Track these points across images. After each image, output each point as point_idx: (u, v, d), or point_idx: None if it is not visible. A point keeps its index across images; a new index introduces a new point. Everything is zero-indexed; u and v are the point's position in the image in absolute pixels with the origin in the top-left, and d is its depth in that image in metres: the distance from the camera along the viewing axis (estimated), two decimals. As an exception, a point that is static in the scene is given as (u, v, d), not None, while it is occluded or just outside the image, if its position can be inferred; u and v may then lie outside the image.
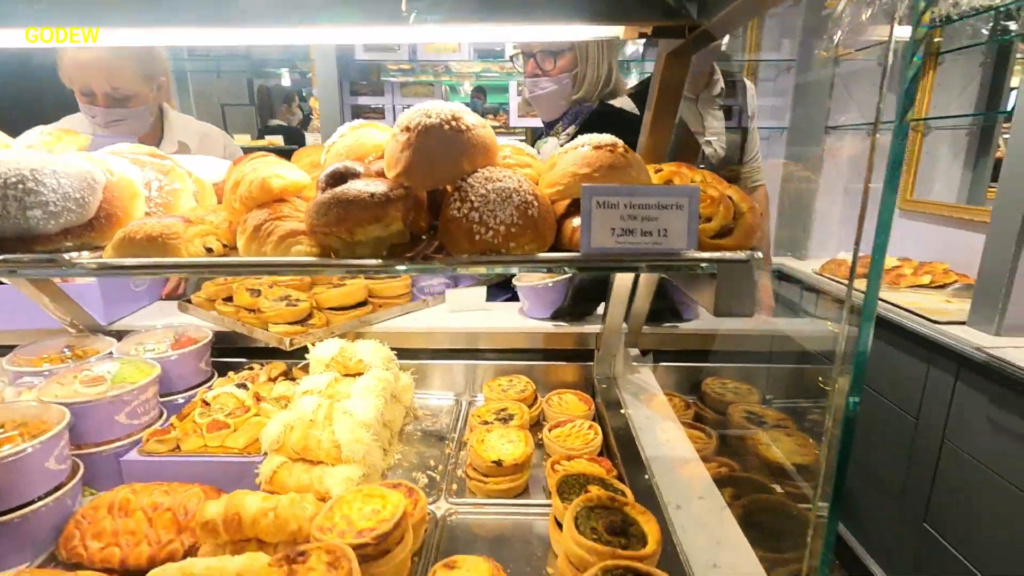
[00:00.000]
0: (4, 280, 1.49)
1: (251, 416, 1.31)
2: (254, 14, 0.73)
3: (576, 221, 0.65)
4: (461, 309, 1.79)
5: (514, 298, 1.88)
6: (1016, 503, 1.77)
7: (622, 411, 1.46)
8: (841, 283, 2.83)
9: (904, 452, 2.29)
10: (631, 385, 1.59)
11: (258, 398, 1.36)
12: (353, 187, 0.64)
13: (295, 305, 1.54)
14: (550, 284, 1.69)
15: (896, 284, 2.68)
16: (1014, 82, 2.80)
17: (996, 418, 1.86)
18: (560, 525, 0.96)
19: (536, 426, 1.48)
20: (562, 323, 1.72)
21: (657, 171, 0.76)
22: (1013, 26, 2.59)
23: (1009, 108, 2.72)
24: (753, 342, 1.68)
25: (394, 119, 3.23)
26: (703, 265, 0.63)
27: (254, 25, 0.75)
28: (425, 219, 0.76)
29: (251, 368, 1.59)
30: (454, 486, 1.26)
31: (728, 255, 0.63)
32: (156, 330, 1.56)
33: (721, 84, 2.30)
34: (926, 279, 2.64)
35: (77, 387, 1.22)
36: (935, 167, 3.14)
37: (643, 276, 1.41)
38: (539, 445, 1.36)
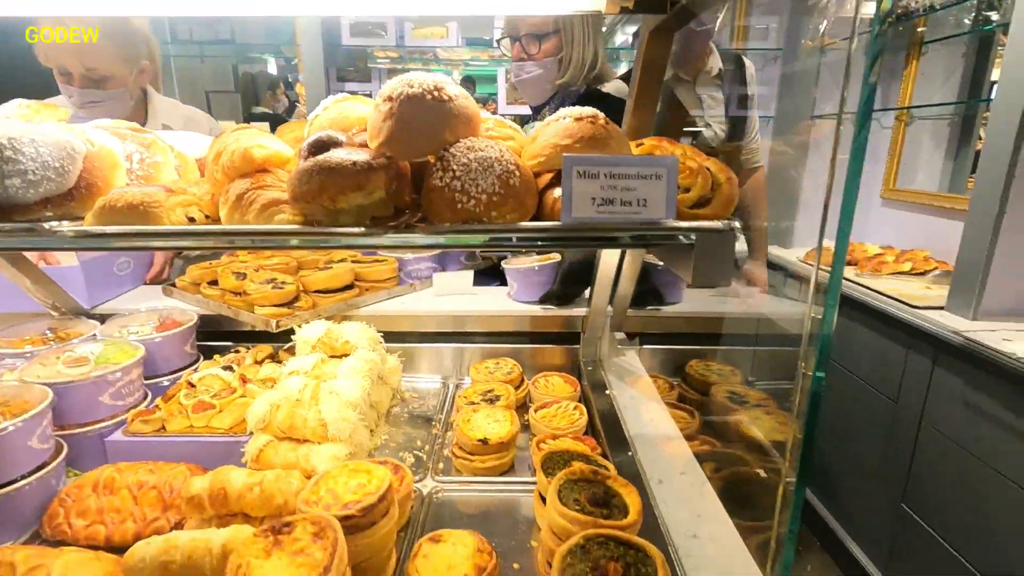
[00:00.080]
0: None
1: (237, 397, 1.30)
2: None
3: (557, 192, 0.66)
4: (448, 293, 1.80)
5: (502, 284, 1.89)
6: (990, 483, 1.82)
7: (607, 392, 1.48)
8: (823, 269, 2.86)
9: (883, 434, 2.34)
10: (616, 367, 1.61)
11: (244, 380, 1.36)
12: (335, 155, 0.64)
13: (281, 288, 1.54)
14: (536, 267, 1.70)
15: (878, 271, 2.73)
16: (996, 74, 2.85)
17: (972, 400, 1.91)
18: (544, 500, 0.98)
19: (522, 408, 1.50)
20: (550, 306, 1.74)
21: (638, 145, 0.77)
22: (995, 16, 2.63)
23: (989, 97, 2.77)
24: (737, 325, 1.70)
25: (382, 106, 3.18)
26: (682, 235, 0.64)
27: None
28: (409, 193, 0.77)
29: (237, 351, 1.58)
30: (440, 465, 1.27)
31: (706, 224, 0.64)
32: (140, 313, 1.55)
33: (719, 64, 2.24)
34: (907, 266, 2.69)
35: (60, 368, 1.22)
36: (918, 156, 3.18)
37: (627, 260, 1.43)
38: (525, 427, 1.38)
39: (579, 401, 1.43)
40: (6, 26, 1.13)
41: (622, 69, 2.34)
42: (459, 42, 3.69)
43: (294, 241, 0.66)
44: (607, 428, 1.32)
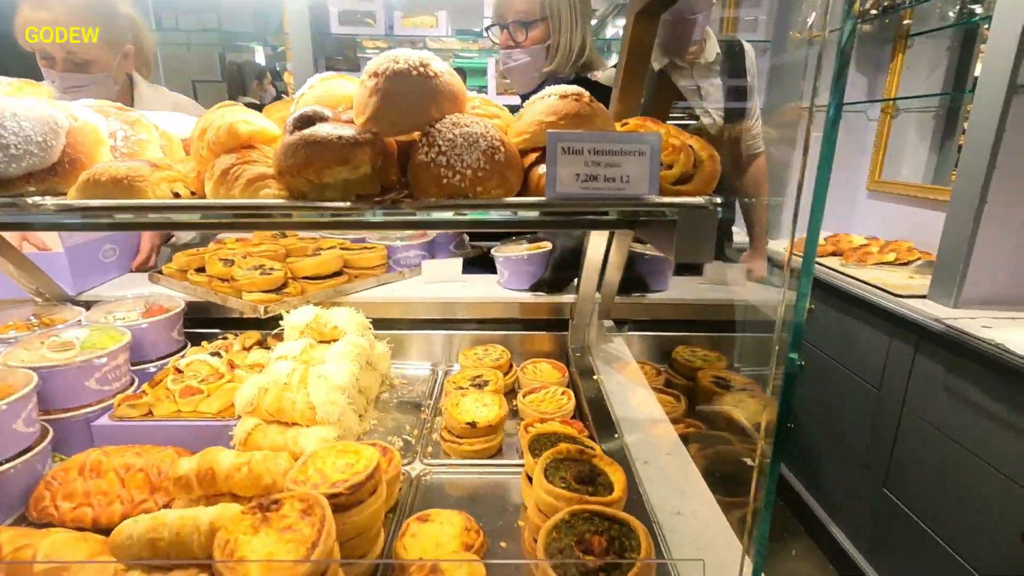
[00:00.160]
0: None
1: (225, 382, 1.30)
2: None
3: (542, 169, 0.66)
4: (437, 280, 1.80)
5: (492, 274, 1.89)
6: (970, 467, 1.86)
7: (595, 377, 1.49)
8: (796, 255, 2.89)
9: (867, 421, 2.38)
10: (604, 354, 1.62)
11: (232, 365, 1.36)
12: (321, 129, 0.64)
13: (269, 274, 1.53)
14: (526, 256, 1.71)
15: (863, 262, 2.76)
16: (980, 67, 2.88)
17: (952, 386, 1.95)
18: (531, 480, 0.99)
19: (511, 394, 1.51)
20: (539, 293, 1.74)
21: (623, 125, 0.77)
22: (979, 9, 2.66)
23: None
24: (722, 312, 1.72)
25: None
26: (665, 210, 0.65)
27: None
28: (395, 173, 0.77)
29: (225, 338, 1.58)
30: (429, 449, 1.28)
31: (688, 200, 0.65)
32: (126, 299, 1.54)
33: (716, 49, 2.21)
34: (891, 256, 2.73)
35: (45, 352, 1.21)
36: (903, 149, 3.22)
37: (614, 247, 1.44)
38: (514, 413, 1.39)
39: (567, 387, 1.45)
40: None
41: (613, 61, 2.33)
42: (449, 31, 3.67)
43: (280, 216, 0.66)
44: (594, 412, 1.34)
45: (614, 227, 0.99)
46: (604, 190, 0.63)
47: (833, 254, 2.97)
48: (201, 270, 1.68)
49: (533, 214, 0.70)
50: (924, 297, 2.18)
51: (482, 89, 4.54)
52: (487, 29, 1.95)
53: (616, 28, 5.30)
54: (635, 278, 1.74)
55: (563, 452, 0.98)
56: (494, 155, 0.66)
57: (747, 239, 2.55)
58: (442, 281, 1.80)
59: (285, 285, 1.57)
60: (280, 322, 1.42)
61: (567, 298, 1.70)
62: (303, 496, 0.81)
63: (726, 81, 2.23)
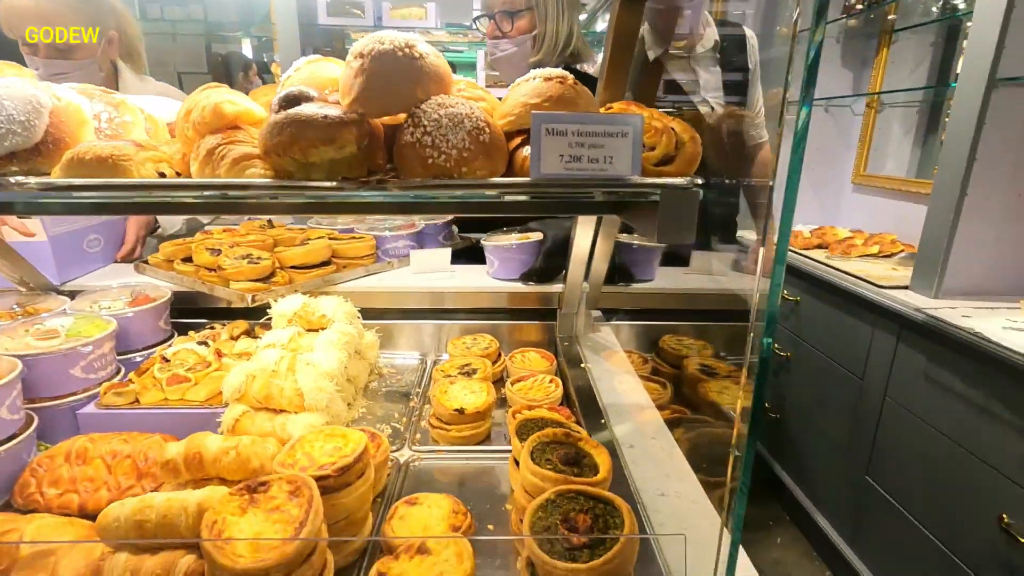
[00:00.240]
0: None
1: (212, 371, 1.30)
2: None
3: (527, 151, 0.67)
4: (426, 271, 1.80)
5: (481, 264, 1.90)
6: (949, 454, 1.90)
7: (582, 366, 1.51)
8: (794, 252, 2.92)
9: (850, 410, 2.42)
10: (592, 343, 1.64)
11: (219, 354, 1.36)
12: (307, 108, 0.64)
13: (257, 263, 1.53)
14: (514, 245, 1.72)
15: (848, 254, 2.80)
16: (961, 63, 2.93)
17: (932, 375, 1.98)
18: (519, 464, 1.00)
19: (499, 383, 1.52)
20: (528, 283, 1.75)
21: (607, 109, 0.78)
22: (961, 5, 2.70)
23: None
24: (708, 301, 1.74)
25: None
26: (647, 191, 0.66)
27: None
28: (382, 156, 0.77)
29: (212, 328, 1.57)
30: (418, 436, 1.29)
31: (670, 181, 0.66)
32: (112, 289, 1.53)
33: (715, 37, 2.16)
34: (875, 249, 2.77)
35: (29, 340, 1.20)
36: (887, 143, 3.27)
37: (601, 236, 1.45)
38: (502, 401, 1.40)
39: (555, 375, 1.46)
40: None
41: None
42: (438, 23, 3.66)
43: (266, 196, 0.66)
44: (582, 399, 1.35)
45: (599, 211, 1.00)
46: (588, 171, 0.64)
47: (819, 247, 3.01)
48: (188, 260, 1.67)
49: (519, 195, 0.71)
50: (906, 288, 2.22)
51: (472, 84, 4.52)
52: (475, 20, 1.95)
53: (607, 22, 5.31)
54: (622, 268, 1.76)
55: (549, 435, 0.99)
56: (479, 136, 0.67)
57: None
58: (431, 271, 1.81)
59: (273, 274, 1.57)
60: (268, 311, 1.42)
61: (555, 288, 1.71)
62: (291, 478, 0.82)
63: (726, 69, 2.17)
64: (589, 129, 0.63)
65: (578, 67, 1.90)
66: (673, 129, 0.71)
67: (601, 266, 1.53)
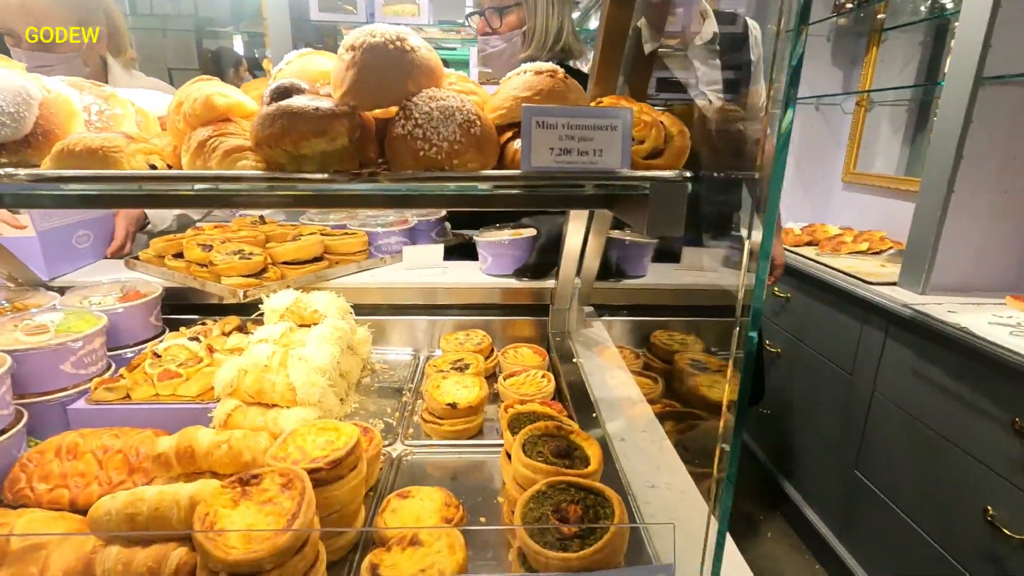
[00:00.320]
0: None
1: (204, 366, 1.30)
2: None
3: (518, 144, 0.68)
4: (418, 267, 1.80)
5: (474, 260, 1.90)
6: (936, 447, 1.93)
7: (574, 361, 1.51)
8: (785, 249, 2.93)
9: (839, 405, 2.45)
10: (584, 338, 1.65)
11: (211, 350, 1.35)
12: (298, 100, 0.64)
13: (249, 259, 1.53)
14: (507, 241, 1.72)
15: (837, 251, 2.83)
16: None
17: (920, 370, 2.01)
18: (511, 457, 1.01)
19: (491, 378, 1.53)
20: (521, 279, 1.76)
21: (597, 103, 0.79)
22: (949, 4, 2.73)
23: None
24: (700, 297, 1.75)
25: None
26: (637, 184, 0.67)
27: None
28: (374, 150, 0.78)
29: (204, 324, 1.57)
30: (410, 430, 1.29)
31: (659, 174, 0.67)
32: (102, 284, 1.52)
33: (714, 29, 2.10)
34: (864, 246, 2.80)
35: (18, 335, 1.19)
36: (877, 141, 3.30)
37: (592, 231, 1.46)
38: (495, 397, 1.41)
39: (547, 370, 1.47)
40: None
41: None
42: (431, 20, 3.65)
43: (259, 188, 0.66)
44: (574, 394, 1.36)
45: (590, 205, 1.01)
46: (578, 163, 0.65)
47: (809, 244, 3.04)
48: (179, 256, 1.67)
49: (509, 187, 0.71)
50: (894, 284, 2.25)
51: (464, 80, 4.51)
52: (467, 17, 1.95)
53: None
54: (614, 264, 1.77)
55: (541, 428, 1.00)
56: (470, 128, 0.68)
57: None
58: (423, 267, 1.81)
59: (265, 270, 1.56)
60: (260, 306, 1.42)
61: (548, 284, 1.72)
62: (283, 471, 0.82)
63: (727, 61, 2.10)
64: (579, 122, 0.64)
65: (571, 64, 1.90)
66: (662, 123, 0.72)
67: (593, 262, 1.54)
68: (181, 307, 1.64)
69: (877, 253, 2.76)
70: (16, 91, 0.67)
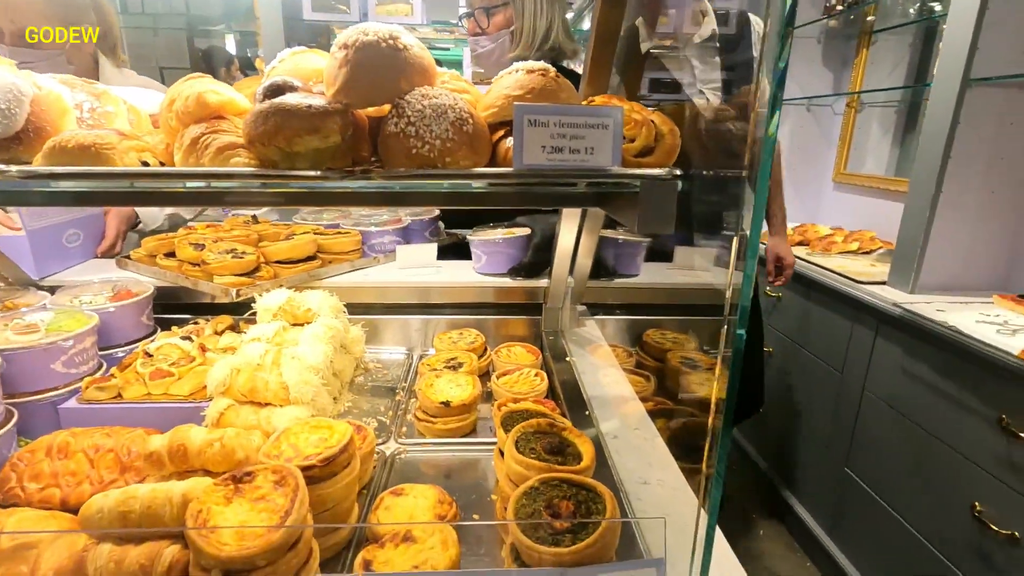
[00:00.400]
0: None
1: (196, 365, 1.29)
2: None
3: (510, 142, 0.68)
4: (412, 266, 1.80)
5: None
6: (925, 444, 1.95)
7: (567, 359, 1.52)
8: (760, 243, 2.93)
9: (830, 404, 2.47)
10: (577, 337, 1.66)
11: (203, 349, 1.35)
12: (291, 97, 0.65)
13: (241, 257, 1.52)
14: (500, 239, 1.73)
15: (828, 251, 2.86)
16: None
17: (909, 368, 2.03)
18: (504, 454, 1.01)
19: (485, 377, 1.53)
20: (515, 278, 1.76)
21: (589, 102, 0.80)
22: (938, 7, 2.76)
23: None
24: (692, 296, 1.76)
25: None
26: (628, 181, 0.68)
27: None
28: (367, 148, 0.78)
29: (196, 323, 1.56)
30: (404, 429, 1.29)
31: (650, 172, 0.68)
32: (93, 284, 1.51)
33: (713, 26, 2.08)
34: (854, 245, 2.83)
35: (8, 335, 1.18)
36: (867, 142, 3.33)
37: (585, 231, 1.46)
38: (488, 395, 1.41)
39: (540, 369, 1.47)
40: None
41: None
42: (424, 20, 3.65)
43: (252, 186, 0.67)
44: (566, 392, 1.37)
45: (582, 203, 1.02)
46: (569, 161, 0.65)
47: (800, 244, 3.06)
48: (171, 255, 1.66)
49: (502, 184, 0.72)
50: (884, 283, 2.27)
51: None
52: (460, 18, 1.95)
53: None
54: (607, 263, 1.78)
55: (534, 425, 1.01)
56: (462, 126, 0.68)
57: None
58: (417, 267, 1.81)
59: (258, 269, 1.56)
60: (253, 305, 1.42)
61: (541, 283, 1.73)
62: (276, 468, 0.82)
63: (727, 60, 2.07)
64: (570, 120, 0.64)
65: (564, 64, 1.91)
66: (653, 121, 0.73)
67: (586, 261, 1.55)
68: (173, 306, 1.64)
69: (867, 253, 2.79)
70: (7, 88, 0.66)
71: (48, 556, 0.78)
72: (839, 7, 3.00)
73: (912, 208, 2.19)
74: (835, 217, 3.42)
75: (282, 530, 0.71)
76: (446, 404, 1.24)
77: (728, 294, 0.64)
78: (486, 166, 0.72)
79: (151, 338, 1.48)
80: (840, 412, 2.40)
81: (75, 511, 0.98)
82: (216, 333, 1.49)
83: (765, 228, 2.55)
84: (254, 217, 1.98)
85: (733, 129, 2.09)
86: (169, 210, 2.12)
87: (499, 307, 1.74)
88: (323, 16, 3.46)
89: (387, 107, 0.73)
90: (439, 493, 0.98)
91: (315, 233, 1.76)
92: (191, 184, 0.70)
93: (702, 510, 0.64)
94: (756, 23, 2.12)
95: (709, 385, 1.35)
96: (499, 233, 1.74)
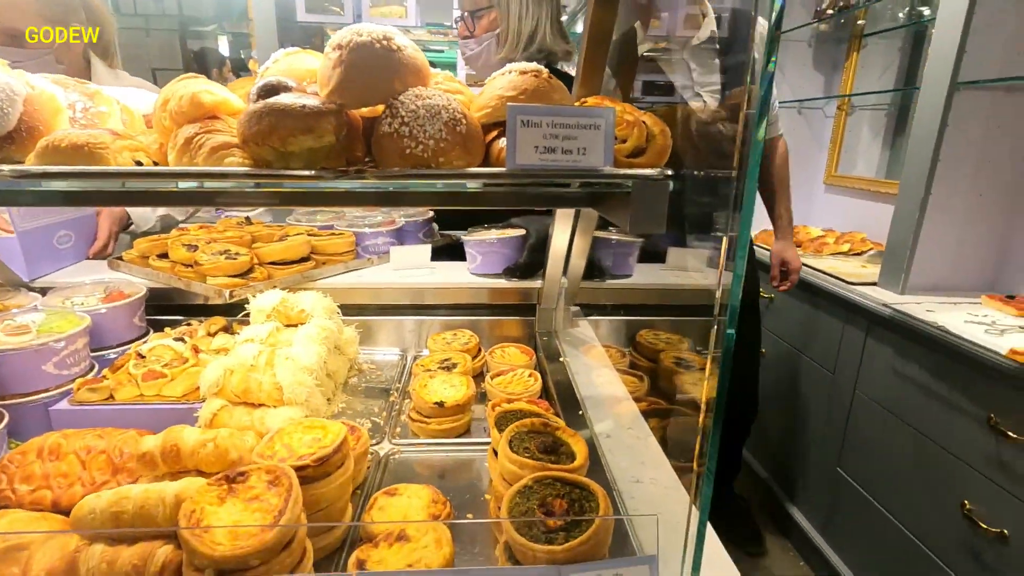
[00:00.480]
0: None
1: (189, 367, 1.29)
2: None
3: (503, 143, 0.69)
4: (405, 267, 1.81)
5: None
6: (916, 444, 1.97)
7: (561, 360, 1.53)
8: (764, 248, 2.97)
9: (822, 404, 2.49)
10: (571, 337, 1.66)
11: (196, 350, 1.35)
12: (285, 97, 0.65)
13: (235, 259, 1.52)
14: (495, 240, 1.73)
15: (820, 252, 2.88)
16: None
17: (899, 368, 2.05)
18: (497, 454, 1.02)
19: (479, 377, 1.53)
20: (509, 279, 1.77)
21: (581, 103, 0.81)
22: (927, 11, 2.80)
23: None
24: (684, 296, 1.78)
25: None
26: (620, 182, 0.68)
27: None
28: (361, 148, 0.78)
29: (189, 324, 1.56)
30: (398, 429, 1.29)
31: (641, 172, 0.69)
32: (85, 285, 1.50)
33: (712, 27, 2.06)
34: (846, 247, 2.85)
35: (-1, 336, 1.18)
36: (858, 145, 3.36)
37: (578, 232, 1.47)
38: (482, 396, 1.41)
39: (534, 369, 1.48)
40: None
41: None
42: (418, 22, 3.65)
43: (245, 185, 0.67)
44: (560, 392, 1.37)
45: (575, 203, 1.02)
46: (562, 162, 0.66)
47: (796, 242, 3.08)
48: (164, 256, 1.65)
49: (495, 184, 0.73)
50: (874, 284, 2.29)
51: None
52: (455, 22, 1.97)
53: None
54: (600, 264, 1.79)
55: (527, 425, 1.01)
56: (456, 126, 0.69)
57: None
58: (411, 268, 1.81)
59: (251, 270, 1.56)
60: (246, 306, 1.42)
61: (535, 284, 1.73)
62: (270, 468, 0.82)
63: (726, 61, 2.06)
64: (563, 121, 0.65)
65: (558, 67, 1.92)
66: (644, 122, 0.74)
67: (579, 262, 1.56)
68: (165, 308, 1.63)
69: (858, 254, 2.81)
70: (0, 87, 0.66)
71: (40, 557, 0.78)
72: (830, 11, 3.03)
73: (902, 210, 2.21)
74: (826, 219, 3.44)
75: (276, 530, 0.71)
76: (440, 405, 1.25)
77: (718, 294, 0.65)
78: (480, 166, 0.73)
79: (144, 339, 1.47)
80: (832, 412, 2.42)
81: (67, 513, 0.97)
82: (209, 334, 1.48)
83: (768, 229, 2.57)
84: (247, 218, 1.98)
85: (724, 130, 2.10)
86: (161, 211, 2.11)
87: (493, 308, 1.74)
88: (317, 17, 3.46)
89: (381, 107, 0.74)
90: (433, 493, 0.98)
91: (309, 234, 1.76)
92: (184, 184, 0.70)
93: (693, 507, 0.64)
94: (759, 24, 2.14)
95: (701, 385, 1.36)
96: (494, 234, 1.75)
